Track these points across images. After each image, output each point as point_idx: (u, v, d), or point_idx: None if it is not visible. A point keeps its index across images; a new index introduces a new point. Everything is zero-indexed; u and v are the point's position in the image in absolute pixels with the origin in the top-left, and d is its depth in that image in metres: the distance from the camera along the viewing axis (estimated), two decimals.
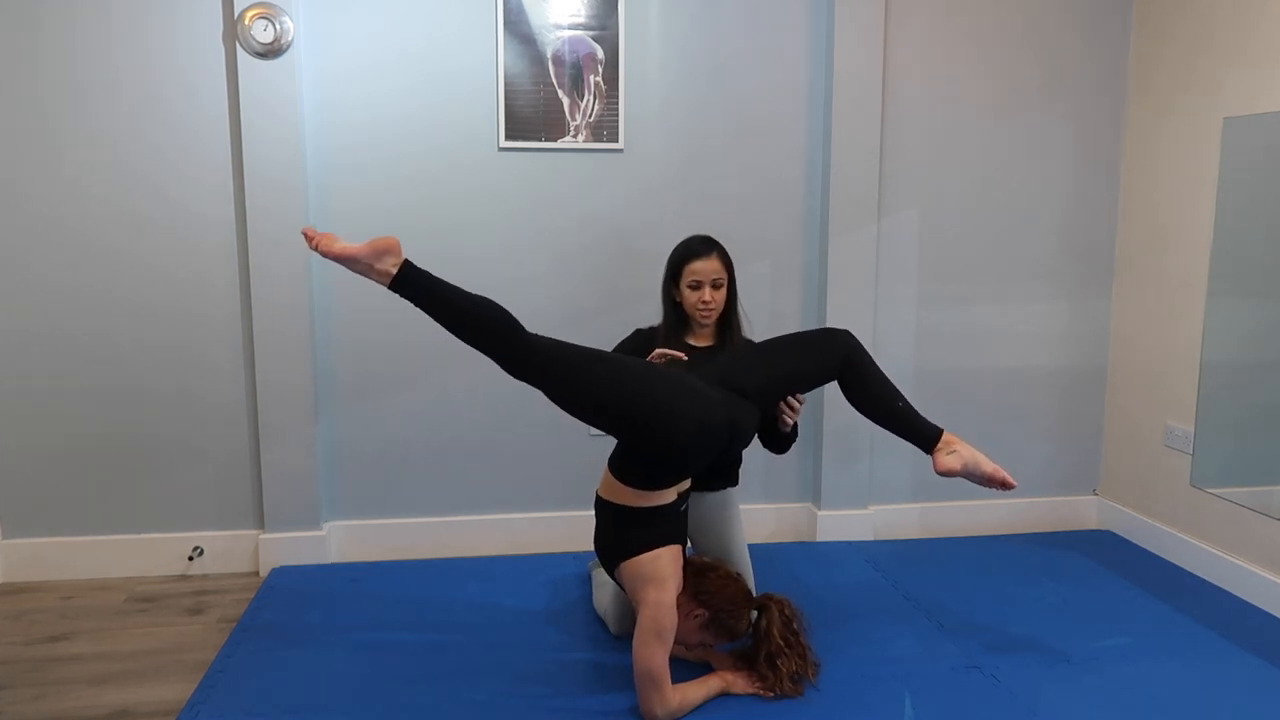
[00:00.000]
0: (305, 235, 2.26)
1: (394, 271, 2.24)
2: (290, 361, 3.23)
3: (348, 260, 2.23)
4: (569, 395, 2.36)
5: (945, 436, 2.51)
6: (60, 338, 3.18)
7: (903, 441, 2.58)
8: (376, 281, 2.26)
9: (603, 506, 2.50)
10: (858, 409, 2.58)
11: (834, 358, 2.52)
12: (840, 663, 2.61)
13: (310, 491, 3.31)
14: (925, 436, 2.52)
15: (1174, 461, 3.42)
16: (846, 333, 2.58)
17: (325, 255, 2.23)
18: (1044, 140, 3.59)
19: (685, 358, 2.66)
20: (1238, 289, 3.14)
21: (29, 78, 3.06)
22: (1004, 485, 2.47)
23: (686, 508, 2.54)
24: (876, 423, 2.57)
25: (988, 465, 2.47)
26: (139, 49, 3.09)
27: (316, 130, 3.21)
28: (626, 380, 2.35)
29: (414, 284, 2.26)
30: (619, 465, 2.43)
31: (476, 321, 2.28)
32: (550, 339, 2.35)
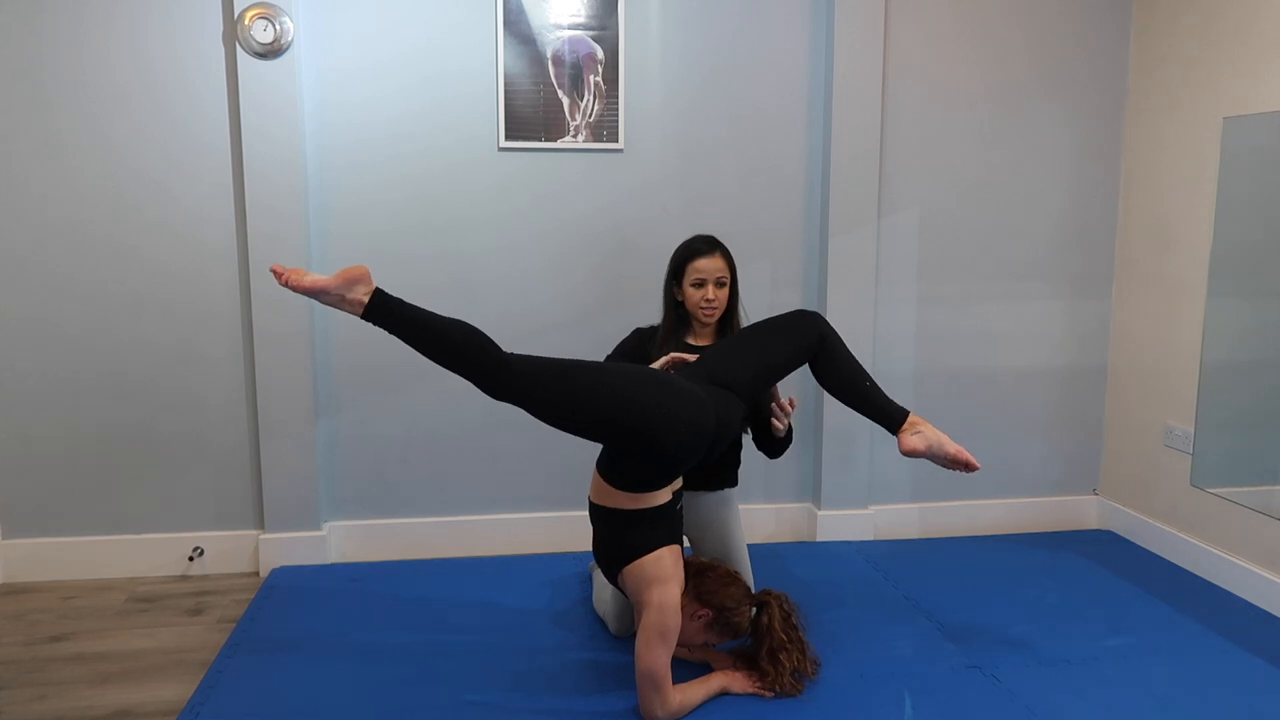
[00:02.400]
0: (274, 272, 2.21)
1: (365, 300, 2.21)
2: (290, 361, 3.23)
3: (318, 293, 2.19)
4: (551, 413, 2.33)
5: (911, 418, 2.53)
6: (60, 337, 3.18)
7: None
8: (349, 312, 2.22)
9: (597, 512, 2.48)
10: (828, 389, 2.60)
11: (810, 338, 2.55)
12: (840, 662, 2.61)
13: (310, 491, 3.31)
14: (891, 417, 2.54)
15: (1174, 461, 3.42)
16: (817, 313, 2.61)
17: (295, 289, 2.19)
18: (1044, 140, 3.59)
19: (695, 358, 2.65)
20: (1238, 289, 3.14)
21: (31, 77, 3.06)
22: (967, 467, 2.49)
23: (682, 506, 2.54)
24: (845, 403, 2.60)
25: (951, 446, 2.49)
26: (139, 49, 3.09)
27: (316, 130, 3.21)
28: (607, 390, 2.32)
29: (387, 312, 2.23)
30: (608, 469, 2.41)
31: (453, 346, 2.26)
32: (527, 357, 2.32)
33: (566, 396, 2.31)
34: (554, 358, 2.36)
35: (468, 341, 2.26)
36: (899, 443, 2.52)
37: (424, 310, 2.27)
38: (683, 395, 2.37)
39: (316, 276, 2.21)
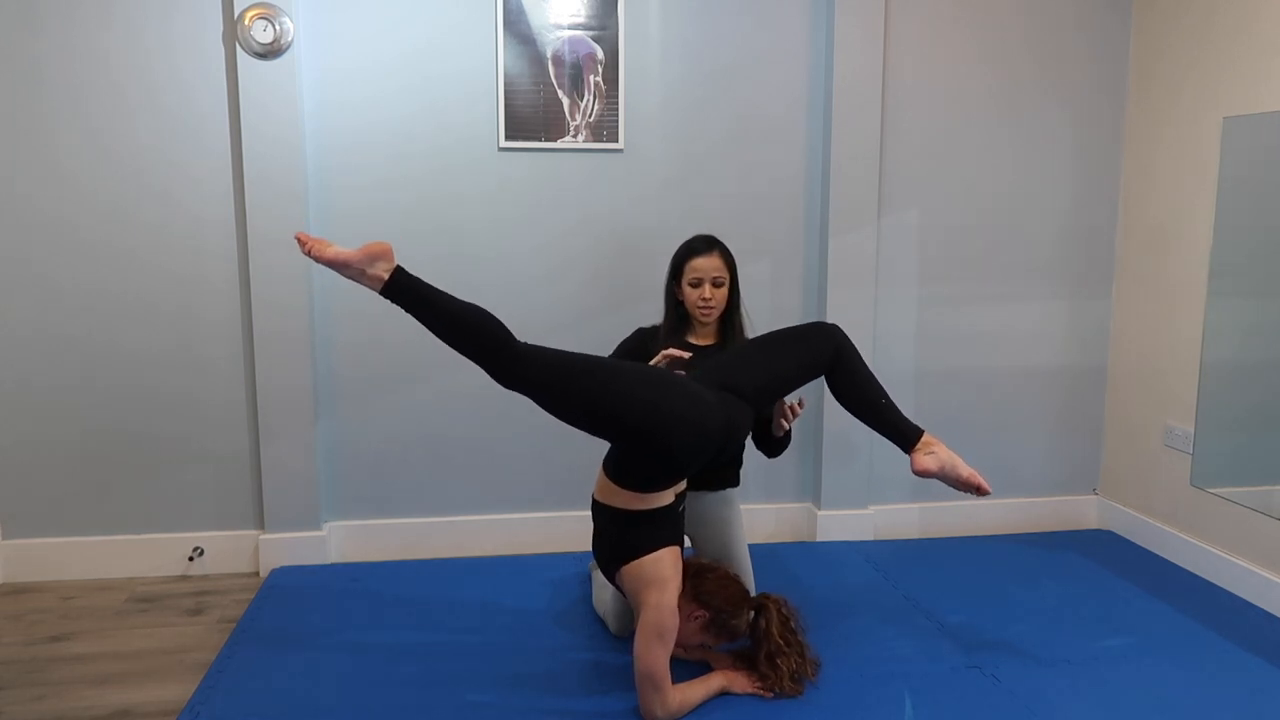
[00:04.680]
0: (298, 240, 2.25)
1: (386, 277, 2.24)
2: (290, 361, 3.23)
3: (340, 265, 2.23)
4: (561, 404, 2.34)
5: (925, 437, 2.52)
6: (60, 338, 3.18)
7: None
8: (368, 287, 2.26)
9: (600, 510, 2.49)
10: (843, 404, 2.59)
11: (826, 352, 2.53)
12: (840, 663, 2.61)
13: (310, 491, 3.31)
14: (905, 436, 2.53)
15: (1174, 461, 3.42)
16: (835, 326, 2.59)
17: (318, 260, 2.24)
18: (1044, 140, 3.59)
19: (689, 355, 2.65)
20: (1238, 289, 3.14)
21: (28, 78, 3.06)
22: (979, 491, 2.48)
23: (684, 508, 2.54)
24: (859, 418, 2.59)
25: (964, 469, 2.49)
26: (138, 49, 3.09)
27: (316, 130, 3.21)
28: (619, 388, 2.33)
29: (406, 290, 2.26)
30: (614, 469, 2.42)
31: (467, 329, 2.27)
32: (540, 348, 2.33)
33: (576, 392, 2.32)
34: (567, 351, 2.37)
35: (484, 328, 2.27)
36: (912, 462, 2.50)
37: (443, 293, 2.28)
38: (691, 398, 2.37)
39: (339, 249, 2.24)
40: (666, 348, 2.74)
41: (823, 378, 2.60)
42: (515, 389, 2.32)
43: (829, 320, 3.41)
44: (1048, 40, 3.53)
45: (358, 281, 2.26)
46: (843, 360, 2.53)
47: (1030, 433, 3.74)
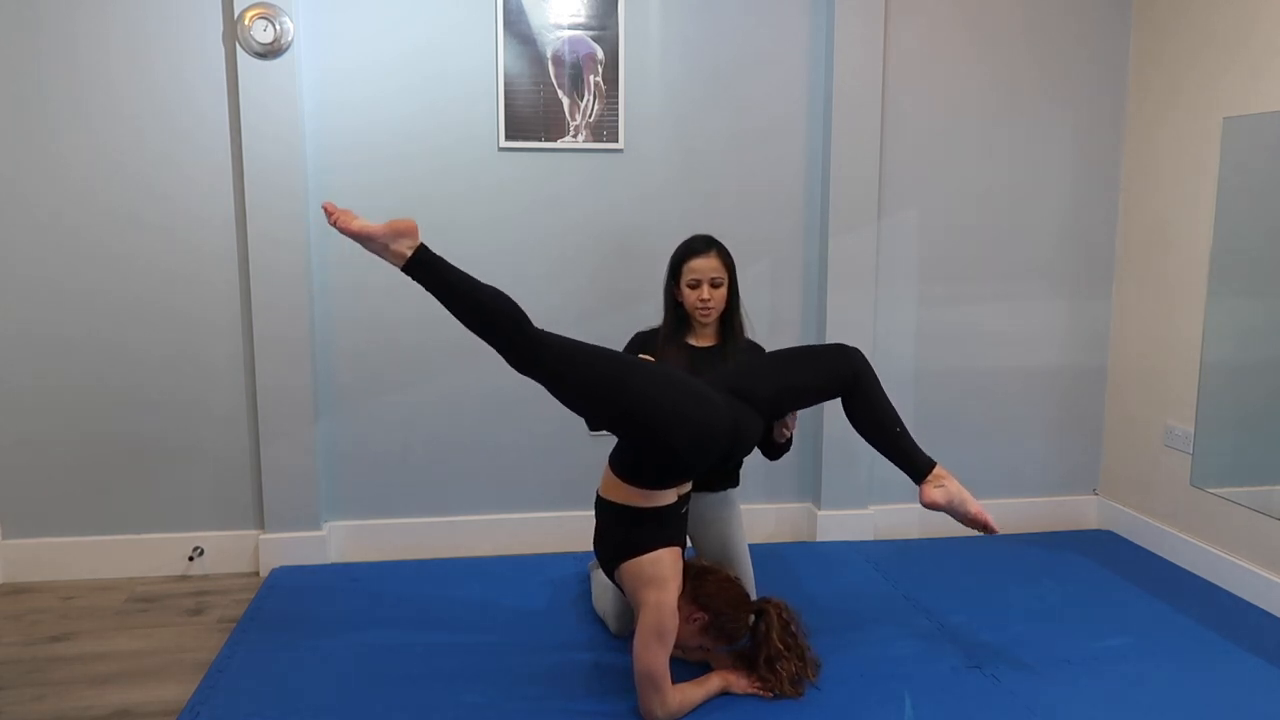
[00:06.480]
0: (325, 209, 2.27)
1: (408, 254, 2.25)
2: (290, 361, 3.22)
3: (364, 238, 2.25)
4: (572, 393, 2.36)
5: (936, 470, 2.52)
6: (60, 339, 3.18)
7: None
8: (390, 262, 2.27)
9: (603, 506, 2.50)
10: (857, 429, 2.59)
11: (844, 375, 2.53)
12: (840, 663, 2.61)
13: (310, 491, 3.31)
14: (917, 466, 2.53)
15: (1174, 461, 3.42)
16: (858, 351, 2.58)
17: (343, 231, 2.26)
18: (1044, 140, 3.59)
19: (650, 360, 2.66)
20: (1238, 289, 3.14)
21: (28, 78, 3.06)
22: (986, 528, 2.49)
23: (687, 510, 2.54)
24: (872, 445, 2.58)
25: (973, 505, 2.49)
26: (138, 49, 3.09)
27: (316, 130, 3.20)
28: (632, 381, 2.35)
29: (428, 268, 2.27)
30: (620, 463, 2.43)
31: (486, 312, 2.28)
32: (558, 335, 2.35)
33: (587, 383, 2.34)
34: (585, 342, 2.38)
35: (503, 311, 2.29)
36: (920, 493, 2.51)
37: (464, 274, 2.30)
38: (698, 398, 2.37)
39: (365, 222, 2.26)
40: (667, 350, 2.74)
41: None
42: (528, 374, 2.33)
43: (830, 320, 3.43)
44: (1048, 40, 3.53)
45: (381, 256, 2.27)
46: (861, 385, 2.53)
47: (1030, 433, 3.74)
